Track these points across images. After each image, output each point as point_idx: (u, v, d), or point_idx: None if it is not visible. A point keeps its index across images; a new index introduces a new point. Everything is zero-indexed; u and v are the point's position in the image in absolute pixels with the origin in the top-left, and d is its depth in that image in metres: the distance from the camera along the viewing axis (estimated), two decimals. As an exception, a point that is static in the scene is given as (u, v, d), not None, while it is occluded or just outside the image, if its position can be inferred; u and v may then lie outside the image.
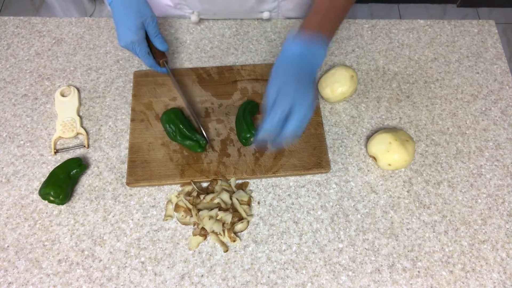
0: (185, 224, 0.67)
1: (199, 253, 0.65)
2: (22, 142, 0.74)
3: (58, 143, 0.74)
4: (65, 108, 0.76)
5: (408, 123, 0.77)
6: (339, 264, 0.64)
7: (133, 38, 0.69)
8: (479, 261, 0.65)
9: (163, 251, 0.65)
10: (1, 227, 0.66)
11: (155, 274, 0.63)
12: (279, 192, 0.70)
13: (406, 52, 0.85)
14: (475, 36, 0.88)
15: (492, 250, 0.66)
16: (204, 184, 0.71)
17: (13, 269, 0.63)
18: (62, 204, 0.67)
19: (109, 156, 0.72)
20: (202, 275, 0.63)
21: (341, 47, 0.85)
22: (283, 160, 0.71)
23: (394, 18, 1.42)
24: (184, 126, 0.70)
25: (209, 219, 0.65)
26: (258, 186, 0.70)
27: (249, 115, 0.72)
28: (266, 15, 0.86)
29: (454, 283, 0.63)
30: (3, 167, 0.71)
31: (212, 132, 0.74)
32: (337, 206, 0.69)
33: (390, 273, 0.64)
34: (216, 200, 0.67)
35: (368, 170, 0.72)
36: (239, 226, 0.66)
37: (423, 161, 0.73)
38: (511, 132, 0.77)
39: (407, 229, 0.67)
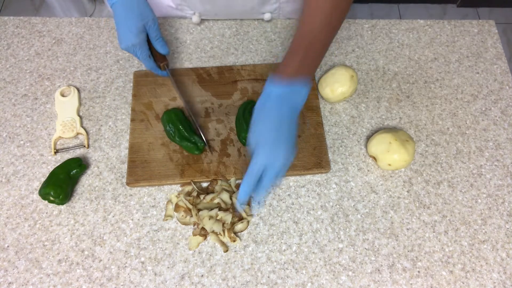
0: (185, 224, 0.67)
1: (199, 253, 0.65)
2: (22, 142, 0.74)
3: (58, 143, 0.74)
4: (65, 108, 0.76)
5: (408, 123, 0.77)
6: (339, 264, 0.64)
7: (134, 41, 0.68)
8: (479, 261, 0.65)
9: (163, 251, 0.65)
10: (1, 227, 0.66)
11: (155, 274, 0.63)
12: (279, 192, 0.70)
13: (406, 52, 0.85)
14: (475, 36, 0.88)
15: (492, 250, 0.66)
16: (204, 184, 0.71)
17: (13, 269, 0.63)
18: (62, 204, 0.67)
19: (109, 156, 0.72)
20: (202, 275, 0.63)
21: (341, 47, 0.85)
22: (283, 160, 0.71)
23: (394, 18, 1.42)
24: (183, 127, 0.70)
25: (209, 219, 0.65)
26: (258, 186, 0.70)
27: (249, 115, 0.72)
28: (267, 16, 0.86)
29: (454, 283, 0.63)
30: (3, 167, 0.71)
31: (212, 132, 0.74)
32: (337, 206, 0.69)
33: (390, 273, 0.64)
34: (216, 200, 0.67)
35: (368, 170, 0.72)
36: (239, 226, 0.66)
37: (423, 161, 0.73)
38: (511, 132, 0.77)
39: (407, 229, 0.67)
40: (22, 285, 0.62)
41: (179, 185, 0.70)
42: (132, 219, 0.67)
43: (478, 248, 0.66)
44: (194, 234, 0.65)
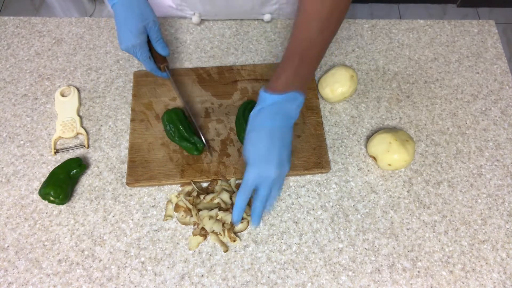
0: (185, 224, 0.67)
1: (199, 253, 0.65)
2: (22, 142, 0.74)
3: (58, 143, 0.74)
4: (65, 108, 0.76)
5: (408, 123, 0.77)
6: (339, 264, 0.64)
7: (134, 42, 0.68)
8: (479, 261, 0.65)
9: (163, 251, 0.65)
10: (1, 227, 0.66)
11: (155, 274, 0.63)
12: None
13: (406, 52, 0.85)
14: (475, 36, 0.88)
15: (492, 250, 0.66)
16: (204, 184, 0.71)
17: (13, 269, 0.63)
18: (62, 204, 0.67)
19: (109, 156, 0.72)
20: (202, 275, 0.63)
21: (341, 47, 0.85)
22: (283, 160, 0.71)
23: (394, 18, 1.42)
24: (183, 127, 0.70)
25: (209, 219, 0.65)
26: (258, 186, 0.70)
27: (249, 115, 0.72)
28: (267, 17, 0.86)
29: (454, 283, 0.63)
30: (3, 167, 0.71)
31: (212, 132, 0.74)
32: (337, 206, 0.69)
33: (390, 273, 0.64)
34: (216, 200, 0.67)
35: (368, 170, 0.72)
36: (239, 226, 0.66)
37: (423, 161, 0.73)
38: (511, 132, 0.77)
39: (407, 229, 0.67)
40: (22, 285, 0.62)
41: (179, 185, 0.70)
42: (132, 219, 0.67)
43: (478, 248, 0.66)
44: (194, 234, 0.65)
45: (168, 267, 0.63)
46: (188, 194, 0.69)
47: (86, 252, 0.64)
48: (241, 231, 0.66)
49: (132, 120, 0.74)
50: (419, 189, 0.71)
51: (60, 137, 0.73)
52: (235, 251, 0.65)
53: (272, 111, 0.57)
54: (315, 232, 0.67)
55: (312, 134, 0.74)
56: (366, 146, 0.74)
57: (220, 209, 0.66)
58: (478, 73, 0.83)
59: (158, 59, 0.74)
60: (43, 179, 0.70)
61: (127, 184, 0.69)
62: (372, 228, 0.67)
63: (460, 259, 0.65)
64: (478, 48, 0.86)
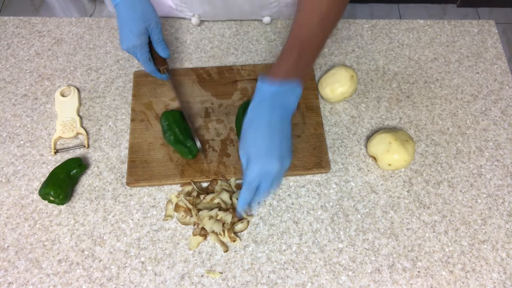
0: (185, 224, 0.67)
1: (199, 253, 0.65)
2: (22, 142, 0.74)
3: (58, 143, 0.74)
4: (65, 108, 0.76)
5: (408, 123, 0.77)
6: (339, 264, 0.64)
7: (135, 43, 0.68)
8: (479, 261, 0.65)
9: (163, 251, 0.65)
10: (1, 227, 0.66)
11: (155, 274, 0.63)
12: (279, 192, 0.70)
13: (406, 52, 0.85)
14: (475, 36, 0.88)
15: (492, 250, 0.66)
16: (204, 184, 0.71)
17: (13, 269, 0.63)
18: (62, 204, 0.67)
19: (109, 156, 0.72)
20: (202, 275, 0.63)
21: (341, 47, 0.85)
22: (283, 160, 0.71)
23: (394, 18, 1.42)
24: (179, 130, 0.69)
25: (209, 219, 0.65)
26: (258, 186, 0.70)
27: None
28: (267, 20, 0.85)
29: (454, 283, 0.63)
30: (3, 167, 0.71)
31: (212, 132, 0.74)
32: (337, 206, 0.69)
33: (390, 273, 0.64)
34: (216, 200, 0.67)
35: (368, 170, 0.72)
36: (239, 226, 0.66)
37: (423, 161, 0.73)
38: (511, 132, 0.77)
39: (407, 229, 0.67)
40: (22, 285, 0.62)
41: (179, 185, 0.70)
42: (132, 219, 0.67)
43: (478, 248, 0.66)
44: (194, 234, 0.65)
45: (168, 267, 0.63)
46: (188, 194, 0.69)
47: (86, 252, 0.64)
48: (241, 231, 0.66)
49: (132, 120, 0.74)
50: (419, 189, 0.71)
51: (60, 137, 0.73)
52: (235, 251, 0.65)
53: (272, 103, 0.57)
54: (315, 232, 0.67)
55: (312, 134, 0.74)
56: (366, 146, 0.74)
57: (220, 209, 0.66)
58: (478, 73, 0.83)
59: (158, 61, 0.74)
60: (43, 179, 0.70)
61: (127, 184, 0.69)
62: (372, 228, 0.67)
63: (460, 259, 0.65)
64: (478, 48, 0.86)
